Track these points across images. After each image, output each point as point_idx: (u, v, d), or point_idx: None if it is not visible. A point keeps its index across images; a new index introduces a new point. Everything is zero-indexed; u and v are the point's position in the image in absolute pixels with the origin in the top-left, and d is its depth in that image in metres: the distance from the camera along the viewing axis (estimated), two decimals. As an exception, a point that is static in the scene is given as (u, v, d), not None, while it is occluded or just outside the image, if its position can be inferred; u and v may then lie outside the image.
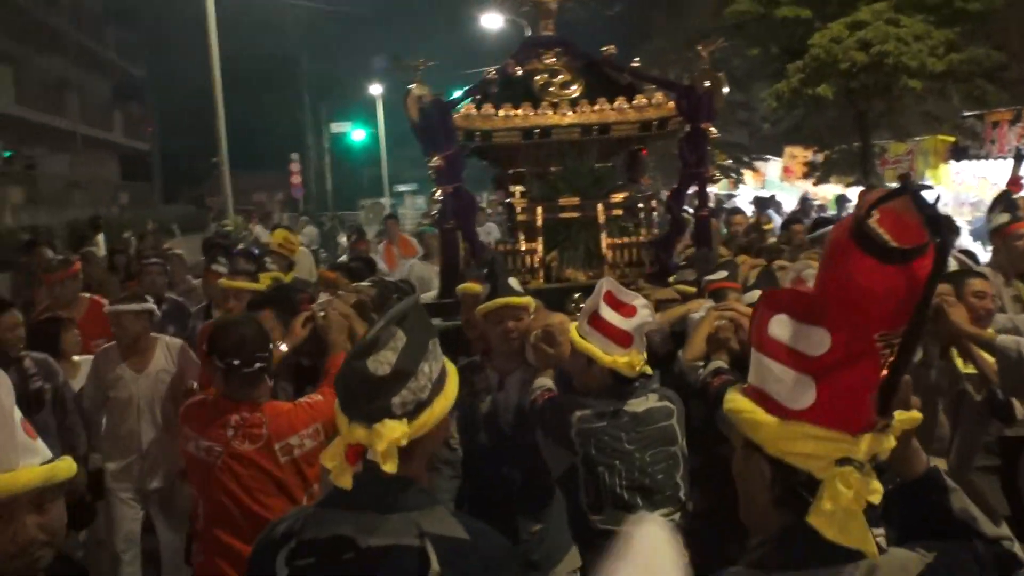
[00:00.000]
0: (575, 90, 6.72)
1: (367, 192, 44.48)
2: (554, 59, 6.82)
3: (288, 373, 5.06)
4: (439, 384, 2.41)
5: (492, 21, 35.55)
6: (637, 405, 3.99)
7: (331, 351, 4.44)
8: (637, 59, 7.14)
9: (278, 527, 2.46)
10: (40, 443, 2.21)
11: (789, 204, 23.23)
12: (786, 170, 25.65)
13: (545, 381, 4.36)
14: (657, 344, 4.89)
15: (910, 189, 1.88)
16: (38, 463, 2.15)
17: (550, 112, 6.61)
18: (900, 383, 1.93)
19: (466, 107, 6.69)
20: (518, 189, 6.97)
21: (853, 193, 19.76)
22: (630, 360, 3.89)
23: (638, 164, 7.63)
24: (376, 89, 45.06)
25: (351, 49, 48.01)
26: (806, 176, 24.31)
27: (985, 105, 19.52)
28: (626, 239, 6.74)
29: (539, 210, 6.75)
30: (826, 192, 23.90)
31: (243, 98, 22.79)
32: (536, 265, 6.54)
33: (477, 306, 4.87)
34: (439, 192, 6.74)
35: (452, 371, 2.50)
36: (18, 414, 2.18)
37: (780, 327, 1.95)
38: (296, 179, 39.13)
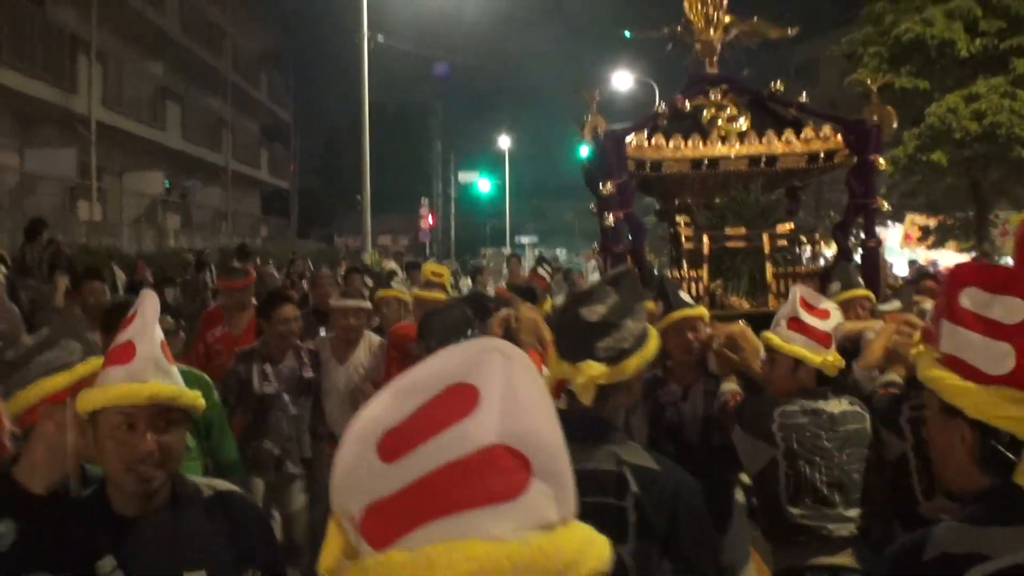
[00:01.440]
0: (742, 124, 6.75)
1: (489, 241, 44.79)
2: (720, 94, 6.86)
3: None
4: (640, 341, 2.67)
5: (622, 81, 35.75)
6: (834, 407, 3.98)
7: (521, 348, 4.57)
8: (804, 95, 7.13)
9: None
10: (175, 369, 2.26)
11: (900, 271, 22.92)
12: (907, 236, 25.24)
13: (732, 386, 4.39)
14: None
15: None
16: (167, 383, 2.20)
17: (719, 144, 6.65)
18: None
19: (637, 138, 6.76)
20: (684, 219, 7.00)
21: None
22: (834, 360, 3.93)
23: (797, 198, 7.59)
24: (504, 142, 45.60)
25: (483, 103, 48.70)
26: (920, 241, 23.91)
27: None
28: (791, 269, 6.70)
29: (705, 239, 6.77)
30: (937, 258, 23.56)
31: (377, 144, 23.17)
32: (701, 293, 6.51)
33: (672, 329, 4.84)
34: (611, 218, 6.80)
35: (654, 335, 2.75)
36: (159, 334, 2.25)
37: (971, 299, 1.99)
38: (427, 222, 39.75)
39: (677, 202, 7.09)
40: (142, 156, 23.69)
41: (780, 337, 4.00)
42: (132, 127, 22.22)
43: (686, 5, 6.93)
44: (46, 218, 12.97)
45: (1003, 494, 1.93)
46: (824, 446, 3.84)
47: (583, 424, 2.58)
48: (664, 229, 7.50)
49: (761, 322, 5.10)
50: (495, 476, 1.04)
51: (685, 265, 6.79)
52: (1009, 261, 2.22)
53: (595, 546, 1.10)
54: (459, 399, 1.08)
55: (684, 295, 5.07)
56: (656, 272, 7.02)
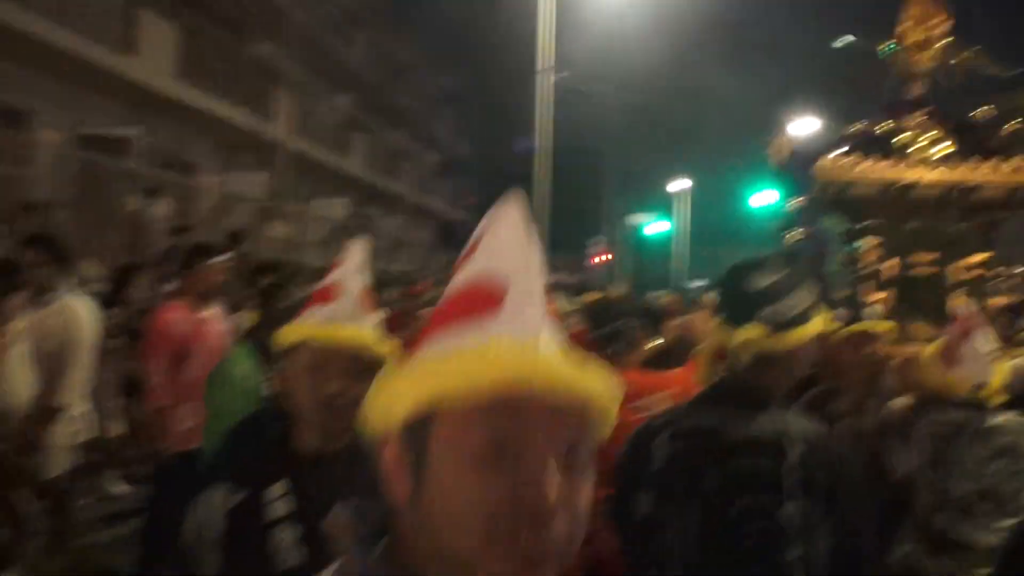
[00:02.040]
0: (944, 148, 6.59)
1: (660, 285, 44.65)
2: (924, 118, 6.69)
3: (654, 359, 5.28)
4: (805, 316, 2.66)
5: (805, 126, 35.22)
6: (989, 419, 3.80)
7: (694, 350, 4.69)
8: (1020, 120, 6.89)
9: (655, 420, 2.82)
10: (370, 318, 2.23)
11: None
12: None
13: (903, 400, 4.23)
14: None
15: None
16: (361, 331, 2.19)
17: (916, 168, 6.52)
18: None
19: (830, 157, 6.70)
20: (871, 241, 6.86)
21: None
22: None
23: (994, 229, 7.30)
24: (674, 186, 45.37)
25: (656, 146, 48.62)
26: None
27: None
28: (981, 301, 6.48)
29: (892, 263, 6.64)
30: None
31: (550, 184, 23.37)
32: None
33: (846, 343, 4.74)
34: (795, 232, 6.78)
35: (823, 317, 2.79)
36: (362, 282, 2.23)
37: None
38: (596, 260, 39.98)
39: (866, 223, 6.94)
40: (328, 183, 24.62)
41: None
42: (320, 155, 23.12)
43: (903, 26, 6.84)
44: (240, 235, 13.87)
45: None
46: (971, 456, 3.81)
47: (741, 391, 2.69)
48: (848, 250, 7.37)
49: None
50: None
51: (867, 288, 6.67)
52: None
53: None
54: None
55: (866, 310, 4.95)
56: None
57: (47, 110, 14.24)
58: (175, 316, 5.57)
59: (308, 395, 2.19)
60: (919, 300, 6.46)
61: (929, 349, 4.14)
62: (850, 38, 8.01)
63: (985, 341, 3.90)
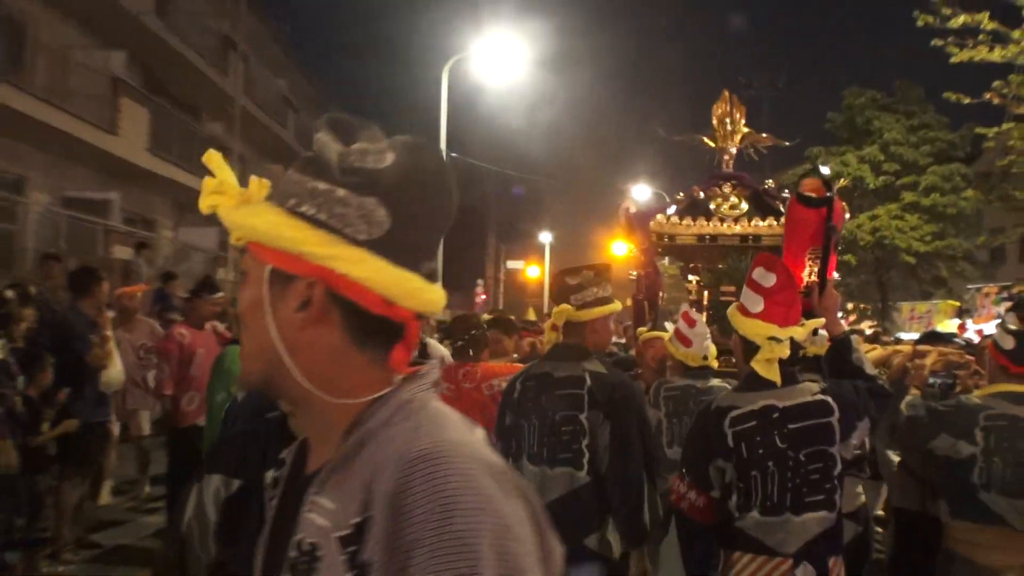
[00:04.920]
0: (742, 209, 7.41)
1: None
2: (729, 187, 7.59)
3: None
4: (600, 301, 3.58)
5: (640, 192, 36.65)
6: (708, 382, 4.59)
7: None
8: (786, 191, 7.81)
9: (516, 376, 3.76)
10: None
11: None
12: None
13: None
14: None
15: (821, 175, 3.70)
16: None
17: (724, 224, 7.38)
18: (826, 280, 3.16)
19: (661, 216, 7.55)
20: (695, 278, 7.74)
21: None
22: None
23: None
24: (546, 237, 46.29)
25: (530, 204, 49.45)
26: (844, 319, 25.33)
27: (965, 279, 22.10)
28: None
29: (706, 293, 7.50)
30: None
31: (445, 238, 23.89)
32: (702, 331, 7.22)
33: (646, 343, 5.66)
34: (636, 274, 7.58)
35: (614, 304, 3.65)
36: None
37: (754, 275, 3.00)
38: (481, 298, 40.53)
39: (691, 265, 7.83)
40: (264, 236, 24.73)
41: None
42: (259, 214, 23.28)
43: (715, 120, 7.67)
44: (192, 280, 14.34)
45: (751, 375, 2.94)
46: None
47: (566, 349, 3.56)
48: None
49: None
50: None
51: (693, 310, 7.53)
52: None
53: None
54: None
55: (669, 325, 5.64)
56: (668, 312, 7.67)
57: (38, 177, 14.46)
58: (181, 331, 6.44)
59: None
60: (725, 319, 7.34)
61: (666, 335, 5.09)
62: (660, 134, 8.73)
63: (703, 328, 4.76)
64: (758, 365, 2.89)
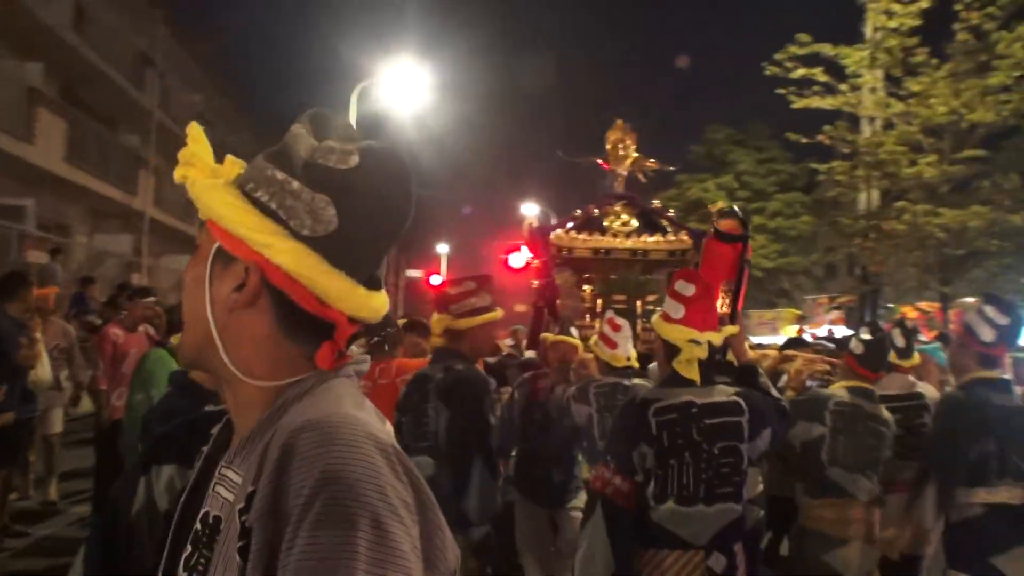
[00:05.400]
0: (633, 225, 7.46)
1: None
2: (621, 205, 7.58)
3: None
4: (476, 312, 3.49)
5: (529, 210, 36.83)
6: (630, 380, 4.49)
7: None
8: (671, 211, 7.88)
9: (420, 373, 3.66)
10: None
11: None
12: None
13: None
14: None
15: (737, 215, 3.51)
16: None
17: (616, 239, 7.37)
18: (736, 311, 3.22)
19: (560, 231, 7.47)
20: (589, 288, 7.68)
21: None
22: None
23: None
24: (443, 248, 46.08)
25: (426, 216, 49.21)
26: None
27: (802, 291, 23.79)
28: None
29: (599, 301, 7.47)
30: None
31: None
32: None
33: (552, 347, 5.34)
34: (536, 283, 7.48)
35: (492, 315, 3.54)
36: None
37: (676, 286, 3.00)
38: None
39: (586, 275, 7.75)
40: (179, 243, 23.75)
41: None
42: (174, 223, 22.33)
43: (608, 145, 7.63)
44: (109, 283, 13.76)
45: (673, 373, 2.92)
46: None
47: (441, 353, 3.55)
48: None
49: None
50: None
51: (588, 317, 7.47)
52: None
53: None
54: None
55: (573, 330, 5.43)
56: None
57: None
58: (116, 331, 6.44)
59: None
60: None
61: (593, 339, 4.99)
62: (561, 156, 8.70)
63: (628, 332, 4.69)
64: (679, 365, 2.89)
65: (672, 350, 2.92)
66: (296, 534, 0.83)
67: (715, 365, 3.01)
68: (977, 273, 15.60)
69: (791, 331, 20.26)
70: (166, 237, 22.14)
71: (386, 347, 4.71)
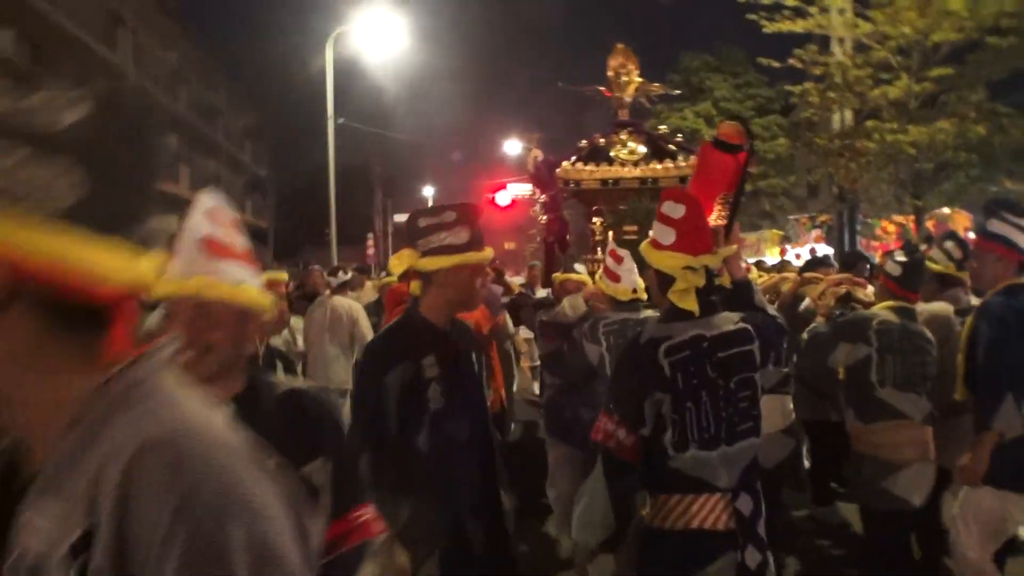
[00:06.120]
0: (639, 153, 7.08)
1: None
2: (628, 133, 7.16)
3: None
4: (450, 249, 2.52)
5: (512, 147, 36.16)
6: (641, 314, 4.14)
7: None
8: (680, 135, 7.48)
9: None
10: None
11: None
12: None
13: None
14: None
15: (741, 119, 2.83)
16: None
17: (623, 168, 6.99)
18: (733, 223, 2.67)
19: (565, 164, 7.06)
20: (599, 220, 7.30)
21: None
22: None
23: None
24: (428, 191, 45.47)
25: (412, 161, 48.44)
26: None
27: (784, 212, 23.22)
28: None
29: (611, 234, 7.10)
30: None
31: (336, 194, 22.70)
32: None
33: (560, 286, 5.05)
34: (544, 217, 7.08)
35: (468, 256, 2.53)
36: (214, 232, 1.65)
37: (661, 207, 2.53)
38: (371, 251, 39.47)
39: (595, 208, 7.36)
40: (163, 205, 23.05)
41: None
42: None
43: (610, 72, 7.18)
44: None
45: (670, 305, 2.49)
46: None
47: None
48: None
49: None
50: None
51: (599, 251, 7.11)
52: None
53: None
54: None
55: (579, 267, 5.18)
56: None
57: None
58: None
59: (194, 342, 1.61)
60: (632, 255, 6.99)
61: (581, 277, 4.65)
62: (560, 86, 8.21)
63: (630, 263, 4.27)
64: (675, 296, 2.48)
65: (666, 280, 2.50)
66: (162, 572, 0.72)
67: (714, 289, 2.61)
68: (947, 186, 15.38)
69: (775, 252, 20.07)
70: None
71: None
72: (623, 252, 4.36)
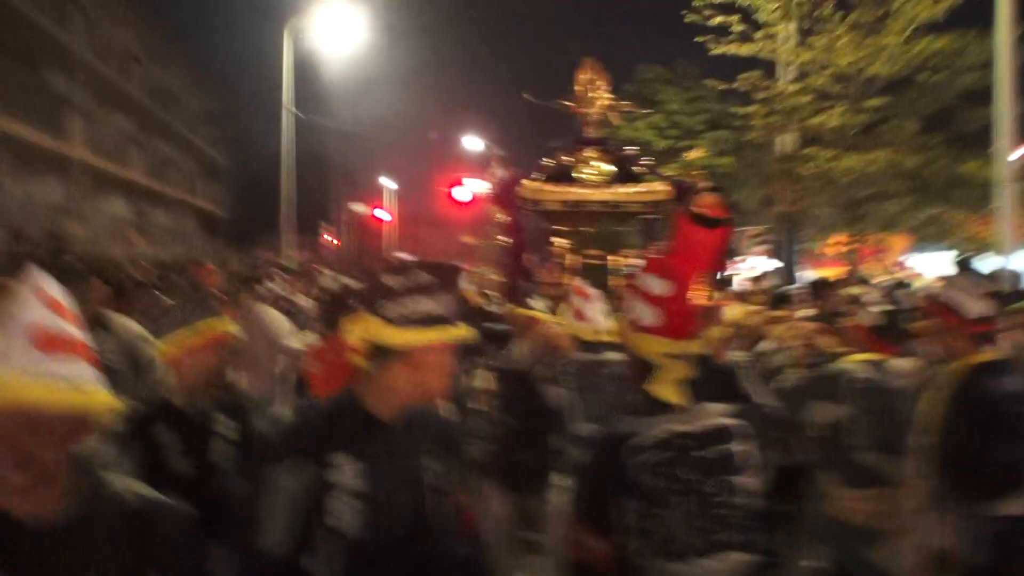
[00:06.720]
0: (605, 173, 6.73)
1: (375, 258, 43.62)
2: (592, 152, 6.81)
3: None
4: (433, 320, 1.89)
5: (472, 143, 35.61)
6: (604, 356, 3.90)
7: None
8: (651, 159, 7.16)
9: None
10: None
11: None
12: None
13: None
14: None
15: (719, 190, 2.50)
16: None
17: (584, 190, 6.64)
18: (711, 305, 2.36)
19: (529, 181, 6.68)
20: (562, 242, 6.93)
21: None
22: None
23: (653, 230, 7.54)
24: (386, 182, 44.72)
25: (370, 152, 47.53)
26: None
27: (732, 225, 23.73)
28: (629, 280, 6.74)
29: (570, 257, 6.76)
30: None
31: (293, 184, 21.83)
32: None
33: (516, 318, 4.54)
34: (503, 238, 6.71)
35: (454, 332, 1.93)
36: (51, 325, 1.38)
37: (640, 281, 2.18)
38: (327, 240, 38.61)
39: (556, 228, 7.00)
40: (112, 188, 21.96)
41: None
42: (106, 165, 20.51)
43: (578, 87, 6.82)
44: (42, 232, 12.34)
45: (646, 398, 2.14)
46: None
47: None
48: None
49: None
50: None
51: (560, 273, 6.74)
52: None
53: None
54: None
55: (534, 302, 4.57)
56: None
57: None
58: None
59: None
60: (593, 282, 6.61)
61: (563, 310, 4.25)
62: (528, 98, 7.81)
63: (597, 301, 4.04)
64: (657, 387, 2.12)
65: (645, 367, 2.14)
66: None
67: (703, 380, 2.21)
68: (881, 212, 15.50)
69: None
70: (98, 181, 20.37)
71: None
72: (591, 290, 4.04)
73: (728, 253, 2.36)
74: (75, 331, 1.40)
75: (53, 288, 1.41)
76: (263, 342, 5.82)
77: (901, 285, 4.30)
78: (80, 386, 1.35)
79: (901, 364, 3.67)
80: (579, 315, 4.04)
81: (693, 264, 2.27)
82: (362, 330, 1.88)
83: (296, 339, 5.97)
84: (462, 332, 1.94)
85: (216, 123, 37.66)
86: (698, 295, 2.26)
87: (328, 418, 1.91)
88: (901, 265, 20.36)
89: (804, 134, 14.33)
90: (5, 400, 1.28)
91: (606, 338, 4.04)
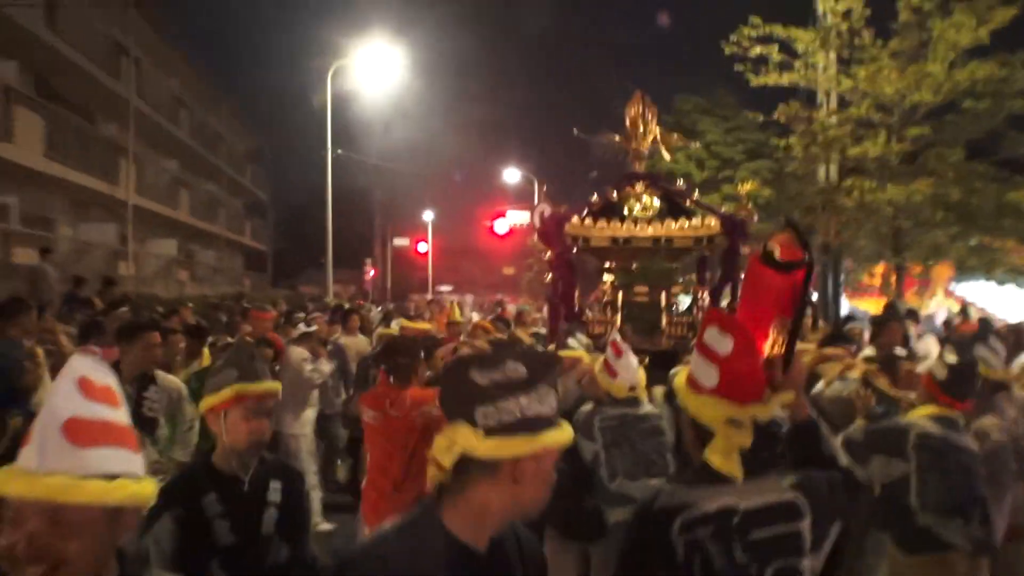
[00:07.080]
0: (653, 209, 6.52)
1: (415, 289, 43.85)
2: (641, 188, 6.62)
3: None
4: (532, 424, 1.54)
5: (511, 175, 35.74)
6: (641, 409, 3.83)
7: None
8: (696, 192, 6.94)
9: None
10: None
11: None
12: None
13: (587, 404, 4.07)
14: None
15: (793, 224, 2.05)
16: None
17: (633, 226, 6.45)
18: (794, 353, 1.94)
19: (576, 220, 6.51)
20: (609, 279, 6.73)
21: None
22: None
23: (704, 266, 7.29)
24: (428, 215, 44.96)
25: (411, 187, 47.94)
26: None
27: None
28: (681, 318, 6.49)
29: (620, 294, 6.54)
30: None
31: (334, 217, 21.89)
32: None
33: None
34: (550, 276, 6.54)
35: (561, 435, 1.59)
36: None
37: (706, 334, 1.92)
38: (369, 274, 38.75)
39: (606, 265, 6.80)
40: (161, 228, 22.35)
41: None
42: (157, 207, 20.89)
43: (627, 121, 6.62)
44: (96, 274, 12.62)
45: (703, 467, 1.88)
46: None
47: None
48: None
49: (656, 357, 4.92)
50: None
51: (608, 311, 6.55)
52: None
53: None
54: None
55: (573, 341, 4.70)
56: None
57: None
58: None
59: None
60: (639, 320, 6.40)
61: (596, 366, 4.01)
62: (577, 134, 7.67)
63: (630, 358, 3.85)
64: (714, 456, 1.86)
65: (703, 433, 1.89)
66: None
67: (768, 444, 1.95)
68: (926, 242, 15.09)
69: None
70: (149, 223, 20.76)
71: (391, 379, 3.94)
72: (624, 346, 3.84)
73: (807, 297, 2.08)
74: (116, 415, 1.34)
75: (96, 372, 1.35)
76: (292, 385, 5.87)
77: (964, 312, 4.06)
78: (114, 479, 1.28)
79: (985, 424, 3.52)
80: (611, 371, 3.84)
81: (764, 313, 2.02)
82: (449, 442, 1.52)
83: (317, 369, 6.07)
84: (568, 434, 1.58)
85: (262, 162, 38.39)
86: (773, 342, 2.01)
87: (410, 552, 1.52)
88: (952, 294, 19.63)
89: (845, 164, 14.09)
90: (36, 497, 1.22)
91: (640, 394, 3.91)
